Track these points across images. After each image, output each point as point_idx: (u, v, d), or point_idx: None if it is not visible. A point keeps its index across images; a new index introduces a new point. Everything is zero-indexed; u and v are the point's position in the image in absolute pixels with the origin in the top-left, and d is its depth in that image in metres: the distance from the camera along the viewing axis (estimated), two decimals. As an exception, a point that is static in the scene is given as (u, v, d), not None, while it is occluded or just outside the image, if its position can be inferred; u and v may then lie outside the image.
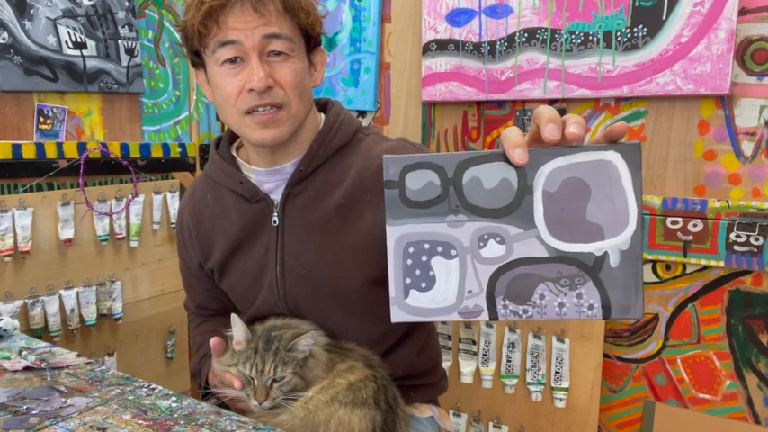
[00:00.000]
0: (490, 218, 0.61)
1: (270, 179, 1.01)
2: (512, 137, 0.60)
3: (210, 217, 1.07)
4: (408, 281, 0.63)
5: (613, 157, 0.58)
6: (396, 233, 0.63)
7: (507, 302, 0.62)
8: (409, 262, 0.63)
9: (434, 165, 0.61)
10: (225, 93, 0.93)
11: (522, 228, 0.61)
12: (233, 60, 0.91)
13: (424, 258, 0.63)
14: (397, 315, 0.64)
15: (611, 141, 0.60)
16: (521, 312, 0.62)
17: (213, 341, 0.98)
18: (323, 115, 1.05)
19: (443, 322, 1.71)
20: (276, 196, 1.01)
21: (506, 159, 0.60)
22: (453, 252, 0.62)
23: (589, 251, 0.60)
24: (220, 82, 0.93)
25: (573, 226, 0.60)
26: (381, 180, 0.96)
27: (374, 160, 0.98)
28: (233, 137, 1.10)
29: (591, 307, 0.60)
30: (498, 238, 0.61)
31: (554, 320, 0.61)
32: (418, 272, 0.63)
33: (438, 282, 0.63)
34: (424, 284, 0.63)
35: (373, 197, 0.96)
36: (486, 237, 0.62)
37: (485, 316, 0.62)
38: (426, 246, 0.63)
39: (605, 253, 0.59)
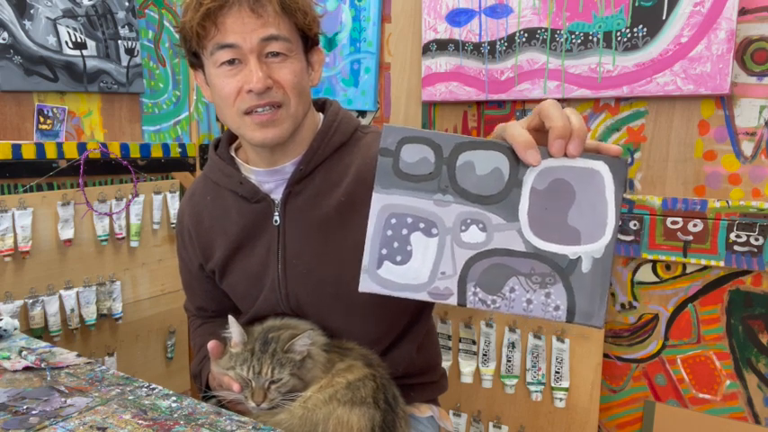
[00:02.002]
0: (477, 203, 0.62)
1: (270, 179, 1.01)
2: (519, 136, 0.60)
3: (210, 218, 1.07)
4: (384, 251, 0.63)
5: (602, 168, 0.60)
6: (381, 201, 0.63)
7: (478, 290, 0.62)
8: (389, 233, 0.63)
9: (432, 142, 0.62)
10: (223, 93, 0.93)
11: (505, 219, 0.61)
12: (231, 62, 0.91)
13: (405, 232, 0.63)
14: (366, 285, 0.63)
15: (603, 150, 0.61)
16: (489, 302, 0.62)
17: (210, 345, 0.98)
18: (321, 115, 1.05)
19: (443, 321, 1.71)
20: (276, 196, 1.01)
21: (504, 151, 0.61)
22: (434, 231, 0.62)
23: (564, 253, 0.61)
24: (219, 83, 0.93)
25: (553, 226, 0.61)
26: None
27: (373, 158, 0.98)
28: (232, 138, 1.10)
29: (557, 308, 0.61)
30: (480, 225, 0.62)
31: (518, 315, 0.62)
32: (396, 244, 0.63)
33: (414, 258, 0.63)
34: (399, 258, 0.63)
35: None
36: (469, 221, 0.62)
37: (453, 300, 0.62)
38: (409, 220, 0.63)
39: (579, 258, 0.60)
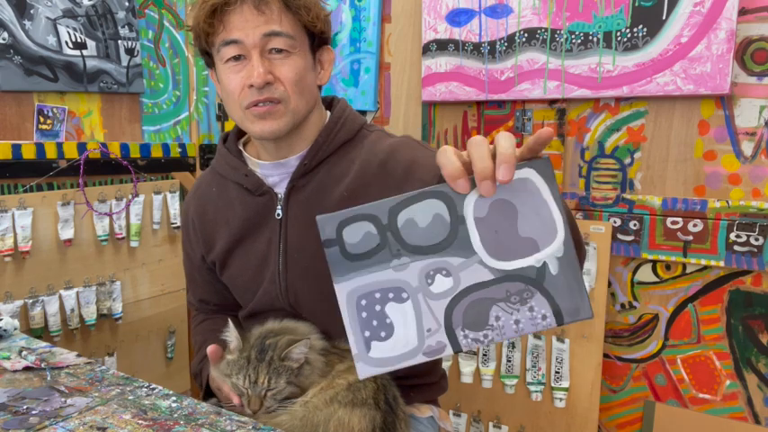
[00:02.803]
0: (432, 254, 0.62)
1: (274, 172, 1.02)
2: (447, 165, 0.60)
3: (215, 209, 1.08)
4: (368, 334, 0.63)
5: (529, 173, 0.61)
6: (345, 289, 0.63)
7: (467, 332, 0.62)
8: (364, 315, 0.63)
9: (368, 215, 0.63)
10: (229, 89, 0.96)
11: (463, 256, 0.62)
12: (237, 58, 0.94)
13: (378, 308, 0.63)
14: (365, 371, 0.63)
15: (539, 145, 0.62)
16: (481, 338, 0.62)
17: (209, 350, 0.98)
18: (329, 112, 1.06)
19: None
20: (280, 189, 1.02)
21: (436, 195, 0.62)
22: (404, 295, 0.63)
23: (529, 264, 0.61)
24: (225, 79, 0.96)
25: (509, 244, 0.61)
26: (385, 173, 0.97)
27: (377, 155, 1.00)
28: (240, 132, 1.12)
29: (544, 317, 0.61)
30: (444, 272, 0.62)
31: (514, 338, 0.62)
32: (375, 322, 0.63)
33: (396, 328, 0.63)
34: (383, 334, 0.63)
35: (376, 191, 0.97)
36: (432, 273, 0.62)
37: (449, 351, 0.62)
38: (377, 295, 0.63)
39: (544, 263, 0.61)
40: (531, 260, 0.61)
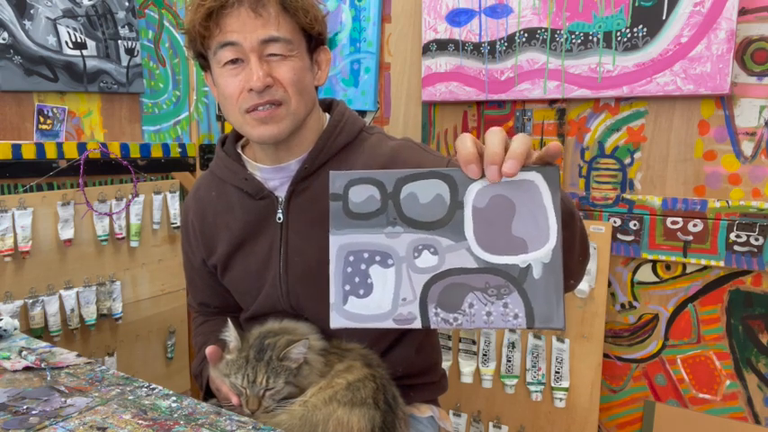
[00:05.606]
0: (425, 230, 0.65)
1: (275, 176, 1.02)
2: (463, 150, 0.63)
3: (215, 213, 1.08)
4: (347, 287, 0.66)
5: (535, 177, 0.63)
6: (338, 242, 0.67)
7: (439, 310, 0.64)
8: (349, 270, 0.66)
9: (376, 180, 0.66)
10: (227, 93, 0.95)
11: (453, 240, 0.64)
12: (234, 61, 0.93)
13: (363, 267, 0.66)
14: (336, 321, 0.66)
15: (546, 160, 0.64)
16: (451, 320, 0.64)
17: (208, 351, 0.98)
18: (327, 115, 1.06)
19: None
20: (281, 193, 1.02)
21: (442, 177, 0.65)
22: (390, 261, 0.66)
23: (514, 263, 0.63)
24: (222, 83, 0.95)
25: (500, 239, 0.64)
26: None
27: (378, 159, 0.99)
28: (239, 135, 1.11)
29: (516, 316, 0.63)
30: (432, 249, 0.65)
31: (482, 329, 0.64)
32: (357, 279, 0.66)
33: (375, 289, 0.66)
34: (361, 291, 0.66)
35: None
36: (420, 247, 0.65)
37: (417, 323, 0.65)
38: (366, 255, 0.66)
39: (529, 265, 0.63)
40: (517, 259, 0.63)
